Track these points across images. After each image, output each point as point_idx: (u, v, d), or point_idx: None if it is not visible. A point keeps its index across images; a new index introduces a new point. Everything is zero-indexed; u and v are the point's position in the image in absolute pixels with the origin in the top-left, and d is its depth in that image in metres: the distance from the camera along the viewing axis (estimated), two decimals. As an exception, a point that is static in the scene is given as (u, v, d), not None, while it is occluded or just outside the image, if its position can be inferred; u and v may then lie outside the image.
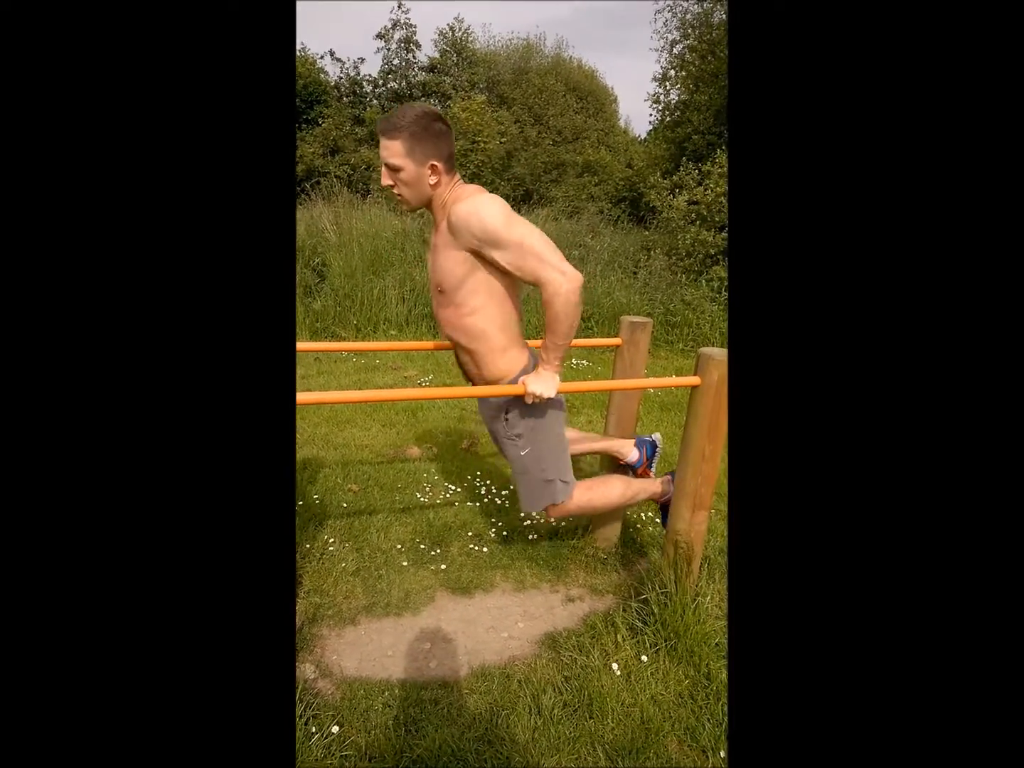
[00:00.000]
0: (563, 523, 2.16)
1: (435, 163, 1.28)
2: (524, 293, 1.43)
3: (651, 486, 1.78)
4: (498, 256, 1.27)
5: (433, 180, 1.30)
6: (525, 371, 1.46)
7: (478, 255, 1.29)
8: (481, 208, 1.25)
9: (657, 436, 1.90)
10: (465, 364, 1.52)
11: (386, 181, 1.31)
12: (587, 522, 2.11)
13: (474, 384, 1.55)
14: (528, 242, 1.26)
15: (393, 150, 1.25)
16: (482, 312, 1.37)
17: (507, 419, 1.49)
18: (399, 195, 1.33)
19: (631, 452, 1.84)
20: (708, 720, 1.33)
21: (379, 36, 13.05)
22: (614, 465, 1.91)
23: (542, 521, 2.18)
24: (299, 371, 3.93)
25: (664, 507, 1.85)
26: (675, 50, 9.41)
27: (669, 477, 1.82)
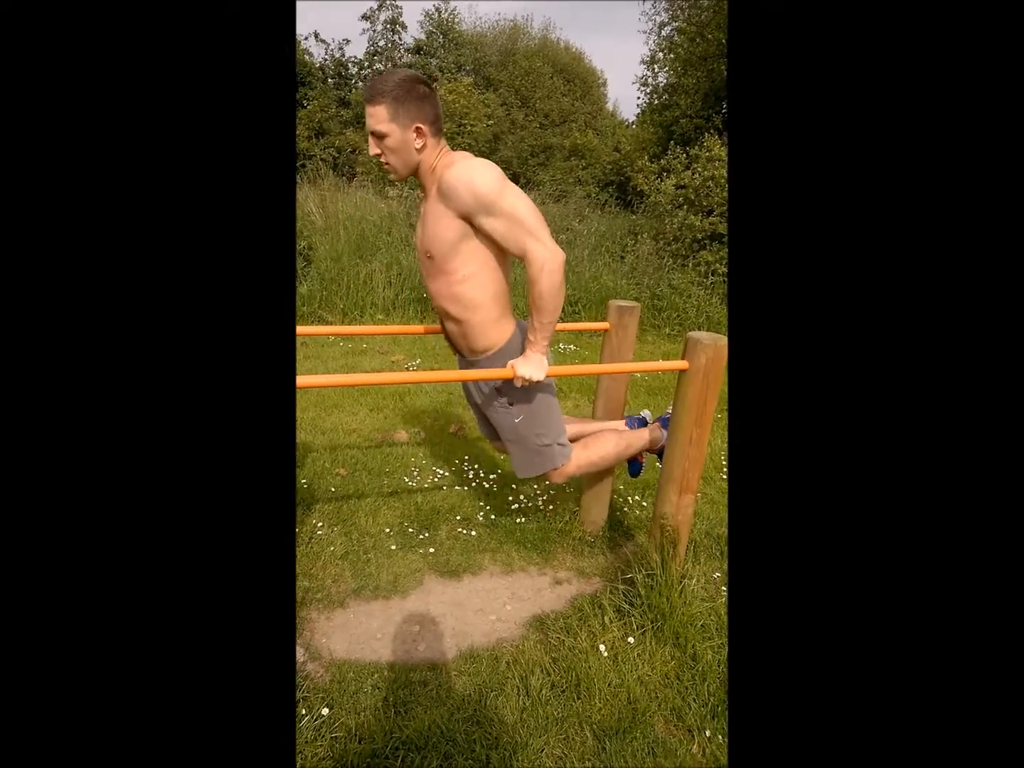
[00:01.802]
0: (551, 506, 2.17)
1: (420, 126, 1.26)
2: (513, 276, 1.42)
3: (643, 434, 1.78)
4: (487, 224, 1.26)
5: (419, 144, 1.28)
6: (513, 340, 1.45)
7: (469, 222, 1.28)
8: (475, 173, 1.23)
9: (646, 413, 1.90)
10: (453, 335, 1.49)
11: (373, 150, 1.29)
12: (575, 505, 2.12)
13: (461, 355, 1.54)
14: (519, 213, 1.25)
15: (378, 116, 1.24)
16: (474, 280, 1.35)
17: (498, 388, 1.49)
18: (387, 163, 1.31)
19: (622, 428, 1.84)
20: (694, 700, 1.35)
21: (364, 17, 12.80)
22: None
23: (530, 504, 2.19)
24: (284, 356, 3.90)
25: (660, 453, 1.83)
26: (664, 32, 9.33)
27: (659, 423, 1.82)
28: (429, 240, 1.33)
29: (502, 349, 1.45)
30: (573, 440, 1.71)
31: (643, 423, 1.88)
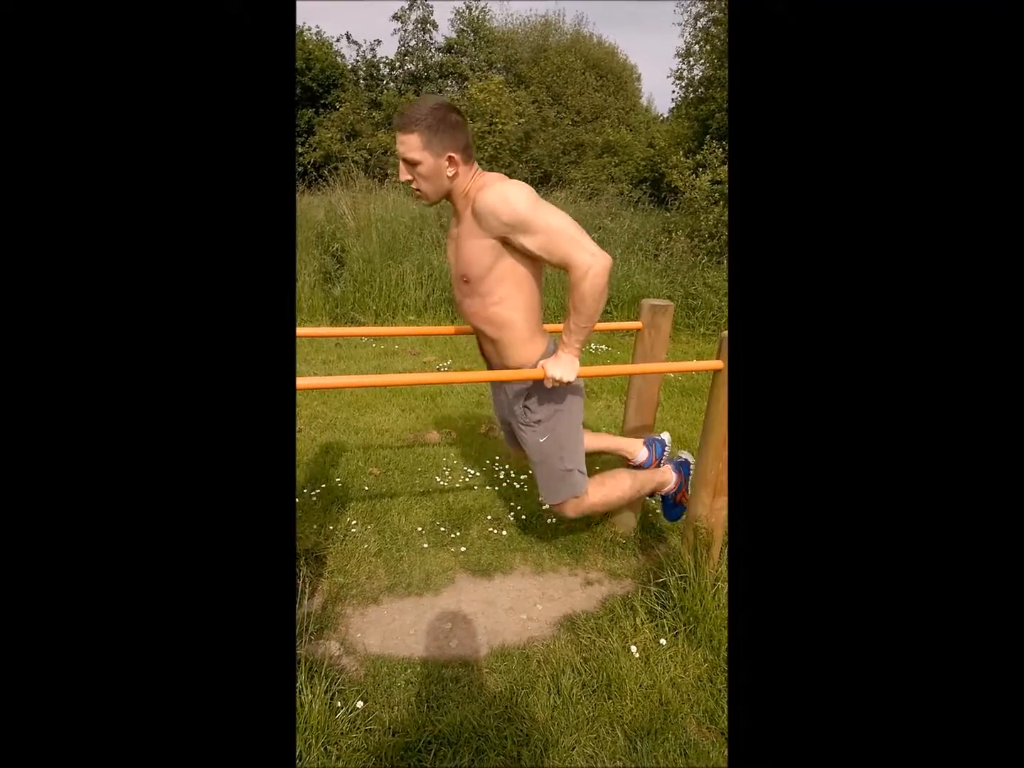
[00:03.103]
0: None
1: (452, 154, 1.27)
2: (545, 277, 1.42)
3: (656, 475, 1.79)
4: (526, 241, 1.26)
5: (451, 172, 1.29)
6: (545, 356, 1.46)
7: (505, 242, 1.29)
8: (509, 194, 1.24)
9: (666, 435, 1.90)
10: (488, 354, 1.52)
11: (404, 176, 1.31)
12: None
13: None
14: (557, 225, 1.25)
15: (410, 144, 1.25)
16: (508, 301, 1.37)
17: (527, 406, 1.50)
18: (418, 190, 1.32)
19: (640, 452, 1.84)
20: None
21: (396, 17, 12.92)
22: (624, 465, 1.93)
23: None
24: (320, 356, 3.98)
25: (666, 498, 1.85)
26: (699, 24, 9.15)
27: (671, 465, 1.83)
28: (465, 264, 1.34)
29: (535, 364, 1.46)
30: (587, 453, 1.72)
31: (662, 445, 1.87)
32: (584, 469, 1.61)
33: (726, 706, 1.33)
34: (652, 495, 1.87)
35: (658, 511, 2.17)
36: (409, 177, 1.30)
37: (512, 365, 1.47)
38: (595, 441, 1.81)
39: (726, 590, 1.55)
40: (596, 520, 2.07)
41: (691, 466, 1.85)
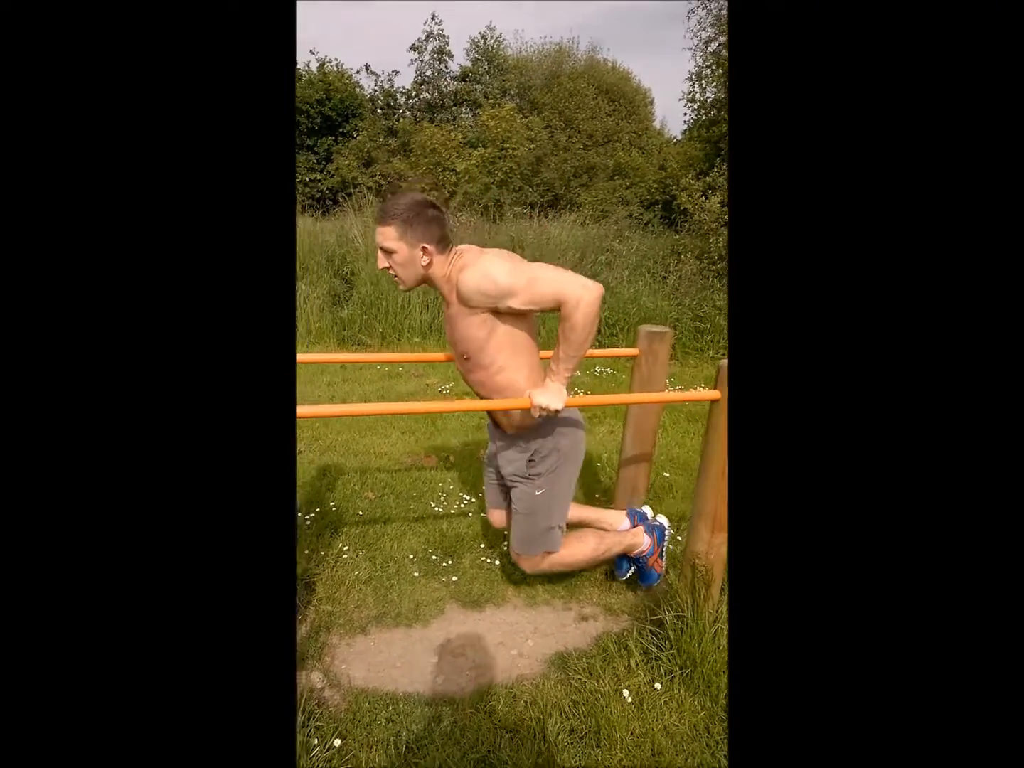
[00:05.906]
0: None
1: (426, 246, 1.33)
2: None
3: (626, 538, 1.72)
4: (514, 303, 1.30)
5: (425, 261, 1.35)
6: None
7: (495, 312, 1.33)
8: (488, 270, 1.28)
9: (647, 509, 1.85)
10: (496, 415, 1.53)
11: (382, 264, 1.37)
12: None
13: (503, 430, 1.55)
14: (539, 275, 1.29)
15: (387, 235, 1.32)
16: (511, 367, 1.40)
17: (532, 459, 1.50)
18: (395, 276, 1.39)
19: (622, 524, 1.78)
20: (725, 756, 1.25)
21: (413, 48, 13.25)
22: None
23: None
24: (325, 378, 3.98)
25: (639, 560, 1.76)
26: (710, 48, 9.25)
27: (644, 527, 1.76)
28: (462, 343, 1.39)
29: (542, 422, 1.47)
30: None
31: (643, 518, 1.81)
32: (564, 526, 1.59)
33: (723, 759, 1.25)
34: (631, 563, 1.79)
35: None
36: (386, 264, 1.37)
37: (517, 421, 1.49)
38: (577, 512, 1.74)
39: (726, 632, 1.47)
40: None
41: (666, 531, 1.79)
